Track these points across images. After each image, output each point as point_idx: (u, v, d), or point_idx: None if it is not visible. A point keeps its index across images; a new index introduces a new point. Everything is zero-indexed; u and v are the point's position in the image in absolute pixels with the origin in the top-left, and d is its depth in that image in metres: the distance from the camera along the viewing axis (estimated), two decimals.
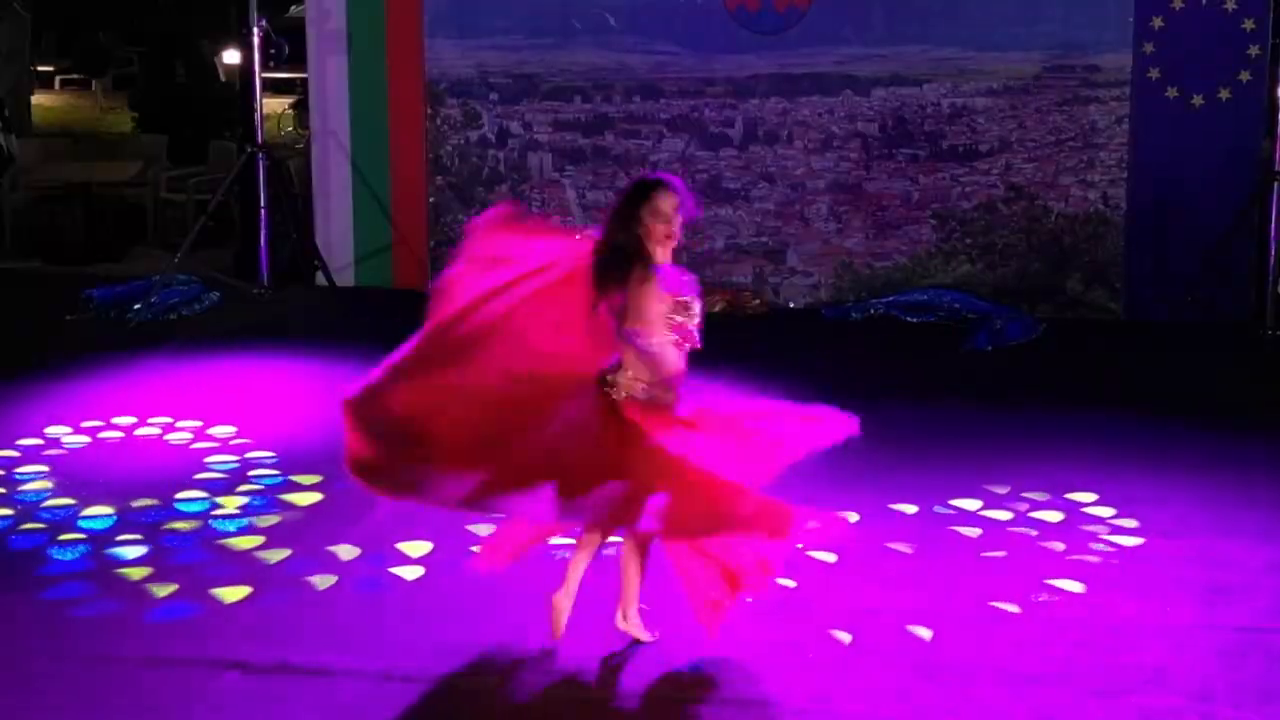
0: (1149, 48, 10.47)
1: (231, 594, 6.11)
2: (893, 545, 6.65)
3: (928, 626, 5.84)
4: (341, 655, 5.59)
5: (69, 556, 6.49)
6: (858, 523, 6.87)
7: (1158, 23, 10.42)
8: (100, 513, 6.95)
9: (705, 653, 5.58)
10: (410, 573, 6.32)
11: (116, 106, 21.48)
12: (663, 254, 5.27)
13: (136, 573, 6.32)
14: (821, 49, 10.94)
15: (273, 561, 6.45)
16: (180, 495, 7.18)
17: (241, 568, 6.38)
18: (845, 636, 5.77)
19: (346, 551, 6.53)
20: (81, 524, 6.84)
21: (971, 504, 7.13)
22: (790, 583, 6.17)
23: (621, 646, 5.63)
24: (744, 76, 11.08)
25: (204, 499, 7.14)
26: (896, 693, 5.37)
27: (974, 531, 6.83)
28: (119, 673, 5.48)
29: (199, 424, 8.24)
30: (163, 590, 6.14)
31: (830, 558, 6.44)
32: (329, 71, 11.40)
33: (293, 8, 15.81)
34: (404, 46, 11.32)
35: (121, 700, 5.30)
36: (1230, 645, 5.71)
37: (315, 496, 7.19)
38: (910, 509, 7.08)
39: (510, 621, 5.83)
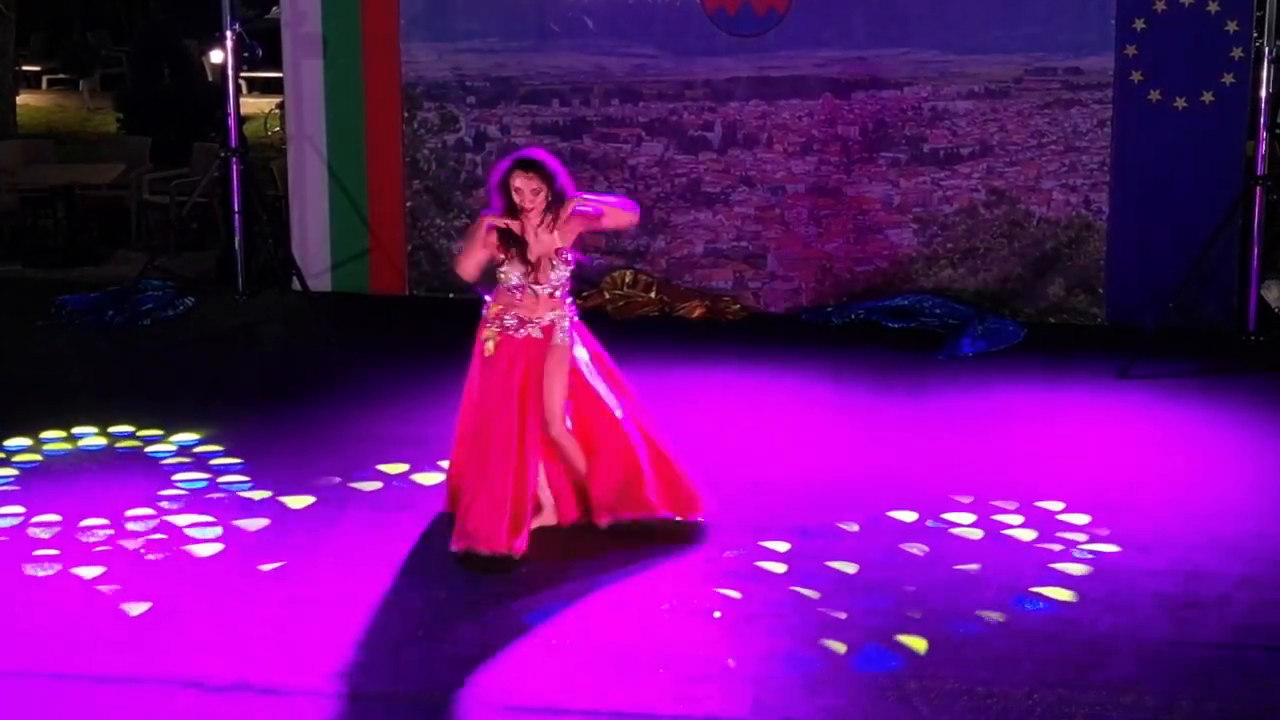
0: (1131, 50, 10.38)
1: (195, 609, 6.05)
2: (862, 558, 6.57)
3: (898, 641, 5.77)
4: (301, 674, 5.52)
5: (39, 573, 6.41)
6: (827, 533, 6.80)
7: (1140, 25, 10.33)
8: (65, 527, 6.88)
9: (676, 666, 5.53)
10: (376, 588, 6.26)
11: (103, 107, 21.40)
12: (528, 218, 6.50)
13: (104, 588, 6.26)
14: (801, 52, 10.83)
15: (239, 576, 6.38)
16: (143, 509, 7.10)
17: (205, 582, 6.31)
18: (820, 650, 5.70)
19: (315, 565, 6.47)
20: (45, 537, 6.76)
21: (944, 513, 7.06)
22: (760, 596, 6.11)
23: (584, 667, 5.57)
24: (723, 79, 10.97)
25: (170, 510, 7.07)
26: (865, 711, 5.30)
27: (947, 541, 6.75)
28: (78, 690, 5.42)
29: (162, 433, 8.18)
30: (135, 609, 6.07)
31: (780, 567, 6.39)
32: (304, 74, 11.30)
33: (274, 9, 15.71)
34: (380, 49, 11.20)
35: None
36: (1203, 663, 5.65)
37: (281, 508, 7.13)
38: (882, 518, 7.00)
39: (480, 639, 5.78)
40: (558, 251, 6.55)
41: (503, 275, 6.57)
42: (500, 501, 6.40)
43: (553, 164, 6.55)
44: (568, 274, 6.62)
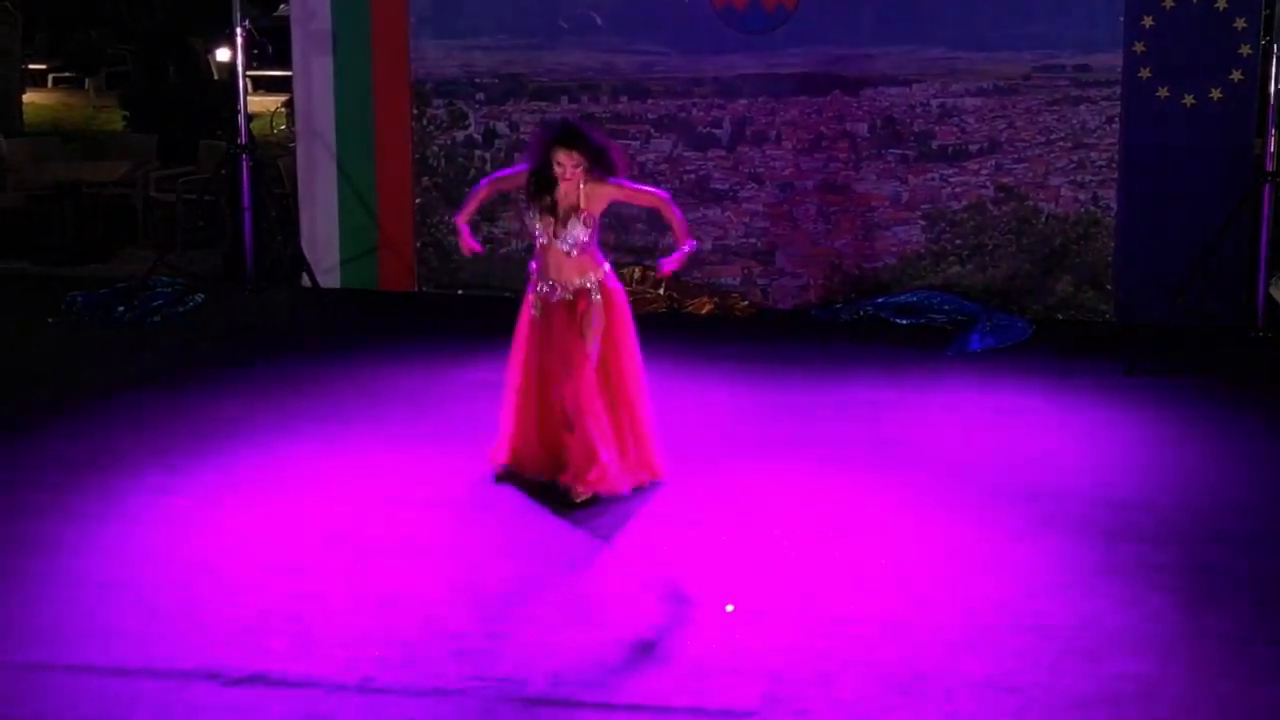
0: (1140, 47, 10.40)
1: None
2: (873, 553, 6.58)
3: (910, 636, 5.77)
4: (318, 665, 5.53)
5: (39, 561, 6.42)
6: (837, 528, 6.82)
7: (1148, 22, 10.35)
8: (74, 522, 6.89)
9: (684, 661, 5.54)
10: (389, 581, 6.27)
11: (109, 105, 21.43)
12: (562, 184, 6.83)
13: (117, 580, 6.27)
14: (810, 48, 10.86)
15: (254, 568, 6.39)
16: (153, 504, 7.11)
17: (220, 574, 6.32)
18: (832, 643, 5.71)
19: (327, 559, 6.48)
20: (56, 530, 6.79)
21: (955, 509, 7.06)
22: (770, 590, 6.12)
23: (596, 660, 5.58)
24: (732, 76, 11.00)
25: (182, 504, 7.08)
26: (878, 706, 5.30)
27: (954, 539, 6.76)
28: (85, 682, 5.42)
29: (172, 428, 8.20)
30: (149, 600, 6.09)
31: (789, 562, 6.40)
32: (314, 71, 11.33)
33: (281, 6, 15.75)
34: (389, 46, 11.25)
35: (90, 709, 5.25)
36: (1215, 656, 5.65)
37: (292, 503, 7.14)
38: (892, 514, 7.01)
39: (490, 630, 5.79)
40: (578, 211, 6.85)
41: (530, 224, 6.98)
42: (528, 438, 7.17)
43: (597, 139, 6.86)
44: (587, 236, 6.89)
